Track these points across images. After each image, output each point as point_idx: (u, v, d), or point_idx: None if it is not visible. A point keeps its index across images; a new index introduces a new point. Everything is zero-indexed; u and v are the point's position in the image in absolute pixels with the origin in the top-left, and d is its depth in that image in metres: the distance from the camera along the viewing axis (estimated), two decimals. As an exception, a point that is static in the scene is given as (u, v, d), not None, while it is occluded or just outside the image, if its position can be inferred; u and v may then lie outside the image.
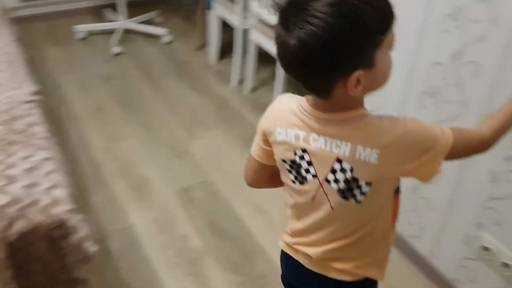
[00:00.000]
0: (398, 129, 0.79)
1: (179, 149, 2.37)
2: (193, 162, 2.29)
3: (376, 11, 0.73)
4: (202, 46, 3.29)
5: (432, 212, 1.63)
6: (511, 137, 0.95)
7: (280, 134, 0.87)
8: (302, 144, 0.84)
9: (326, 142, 0.81)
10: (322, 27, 0.70)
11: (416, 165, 0.80)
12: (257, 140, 0.95)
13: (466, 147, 0.87)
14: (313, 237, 0.93)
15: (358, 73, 0.74)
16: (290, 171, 0.89)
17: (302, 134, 0.84)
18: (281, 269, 1.08)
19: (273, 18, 2.35)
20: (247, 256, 1.81)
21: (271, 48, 2.50)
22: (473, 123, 1.38)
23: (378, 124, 0.80)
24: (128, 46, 3.29)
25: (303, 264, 0.97)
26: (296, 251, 0.98)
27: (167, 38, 3.40)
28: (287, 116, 0.86)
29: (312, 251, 0.94)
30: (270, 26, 2.47)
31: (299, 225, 0.95)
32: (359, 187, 0.83)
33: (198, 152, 2.36)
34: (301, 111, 0.84)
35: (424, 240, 1.70)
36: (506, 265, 1.41)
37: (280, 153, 0.89)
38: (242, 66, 2.86)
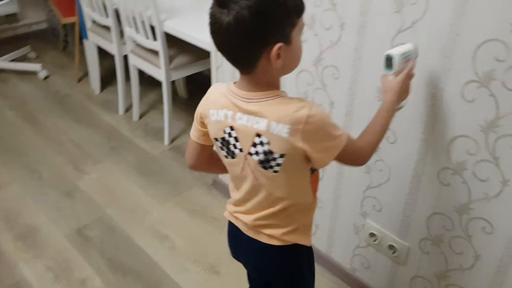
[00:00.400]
0: (305, 110, 0.90)
1: (68, 188, 2.25)
2: (85, 199, 2.19)
3: None
4: (83, 77, 3.17)
5: (322, 209, 1.71)
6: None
7: (213, 115, 1.00)
8: (230, 122, 0.97)
9: (248, 119, 0.94)
10: (254, 1, 0.84)
11: (313, 148, 0.93)
12: (195, 123, 1.08)
13: (351, 156, 1.01)
14: (247, 205, 1.06)
15: (279, 45, 0.88)
16: (222, 148, 1.03)
17: (230, 113, 0.97)
18: (227, 236, 1.20)
19: (149, 42, 2.35)
20: (152, 285, 1.76)
21: (153, 71, 2.48)
22: (341, 121, 1.49)
23: (290, 103, 0.92)
24: (1, 86, 3.07)
25: (242, 230, 1.10)
26: (236, 218, 1.11)
27: (43, 73, 3.23)
28: (219, 98, 0.99)
29: (247, 218, 1.08)
30: (148, 50, 2.45)
31: (237, 195, 1.09)
32: (274, 159, 0.95)
33: (89, 188, 2.26)
34: (229, 93, 0.97)
35: (320, 236, 1.78)
36: (392, 247, 1.52)
37: (213, 132, 1.02)
38: (127, 92, 2.80)
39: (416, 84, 1.21)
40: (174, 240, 1.97)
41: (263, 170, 0.98)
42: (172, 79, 2.46)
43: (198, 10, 2.46)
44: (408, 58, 1.13)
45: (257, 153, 0.96)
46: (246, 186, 1.04)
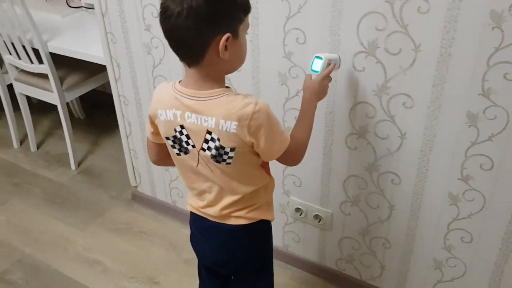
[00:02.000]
0: (251, 106, 0.94)
1: (-25, 236, 2.08)
2: (-2, 243, 2.04)
3: None
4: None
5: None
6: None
7: (162, 115, 1.02)
8: (179, 121, 1.00)
9: (197, 118, 0.98)
10: None
11: (259, 141, 0.98)
12: (148, 124, 1.11)
13: (294, 154, 1.10)
14: (209, 198, 1.10)
15: (228, 35, 0.91)
16: (173, 146, 1.06)
17: (178, 112, 0.99)
18: (190, 226, 1.24)
19: (35, 66, 2.23)
20: (93, 313, 1.71)
21: (44, 96, 2.36)
22: None
23: (236, 100, 0.95)
24: None
25: (207, 218, 1.14)
26: (198, 210, 1.15)
27: None
28: (166, 98, 1.01)
29: (212, 210, 1.11)
30: (35, 75, 2.32)
31: (195, 191, 1.13)
32: (226, 153, 1.00)
33: (0, 232, 2.10)
34: (175, 92, 0.99)
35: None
36: (317, 216, 1.64)
37: (164, 131, 1.05)
38: (19, 123, 2.63)
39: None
40: (105, 262, 1.91)
41: (217, 164, 1.02)
42: (67, 101, 2.37)
43: (80, 27, 2.39)
44: (330, 63, 1.22)
45: (209, 148, 1.00)
46: (203, 179, 1.08)
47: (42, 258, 1.94)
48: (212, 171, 1.05)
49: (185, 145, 1.03)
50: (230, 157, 1.01)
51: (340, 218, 1.60)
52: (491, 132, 1.18)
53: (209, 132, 0.98)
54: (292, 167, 1.60)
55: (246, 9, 0.96)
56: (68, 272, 1.87)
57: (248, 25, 0.98)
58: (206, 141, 1.00)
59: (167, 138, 1.06)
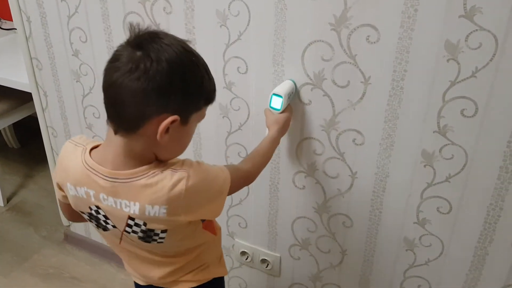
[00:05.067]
0: (181, 184, 0.78)
1: None
2: None
3: (211, 83, 0.80)
4: None
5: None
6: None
7: (71, 189, 0.84)
8: (93, 201, 0.83)
9: (115, 202, 0.80)
10: (178, 53, 0.73)
11: (197, 214, 0.84)
12: (56, 187, 0.93)
13: (238, 184, 0.94)
14: (144, 270, 0.95)
15: (175, 117, 0.75)
16: (90, 220, 0.89)
17: (91, 192, 0.82)
18: None
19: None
20: None
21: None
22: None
23: (164, 181, 0.78)
24: None
25: (154, 284, 0.98)
26: (140, 279, 1.00)
27: None
28: (74, 172, 0.82)
29: (152, 280, 0.96)
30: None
31: (125, 264, 0.99)
32: (156, 234, 0.84)
33: None
34: (87, 168, 0.81)
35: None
36: (264, 260, 1.49)
37: (75, 206, 0.88)
38: None
39: (258, 92, 1.20)
40: None
41: (146, 243, 0.86)
42: (-5, 131, 2.14)
43: (10, 51, 2.19)
44: (291, 97, 1.12)
45: (134, 231, 0.83)
46: (132, 255, 0.92)
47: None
48: (141, 248, 0.89)
49: (103, 223, 0.86)
50: (161, 238, 0.84)
51: (289, 262, 1.45)
52: (448, 172, 1.07)
53: (132, 218, 0.81)
54: (237, 206, 1.45)
55: (209, 99, 0.81)
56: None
57: (203, 116, 0.83)
58: (129, 225, 0.83)
59: (82, 212, 0.88)
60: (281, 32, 1.11)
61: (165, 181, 0.78)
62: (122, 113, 0.75)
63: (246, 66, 1.19)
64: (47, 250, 1.99)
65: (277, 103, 1.09)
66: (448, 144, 1.04)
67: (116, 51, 0.74)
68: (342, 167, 1.20)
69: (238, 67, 1.21)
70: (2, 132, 2.62)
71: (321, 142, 1.19)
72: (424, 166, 1.09)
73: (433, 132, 1.04)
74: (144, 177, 0.78)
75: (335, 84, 1.09)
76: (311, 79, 1.12)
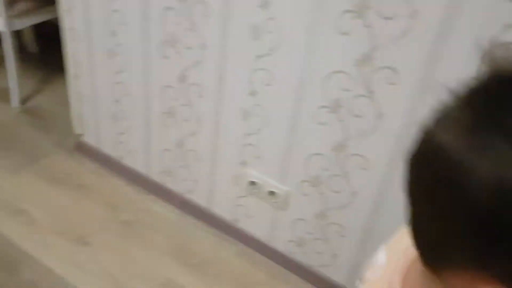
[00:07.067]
0: None
1: None
2: None
3: None
4: None
5: (200, 162, 1.60)
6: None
7: None
8: None
9: None
10: None
11: None
12: None
13: None
14: None
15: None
16: None
17: None
18: None
19: None
20: (9, 267, 1.52)
21: None
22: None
23: None
24: None
25: None
26: None
27: None
28: None
29: None
30: None
31: None
32: None
33: None
34: None
35: (200, 191, 1.68)
36: (272, 193, 1.48)
37: None
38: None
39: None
40: (33, 213, 1.71)
41: None
42: (16, 29, 2.10)
43: None
44: None
45: None
46: None
47: (-39, 200, 1.73)
48: None
49: None
50: None
51: (297, 198, 1.44)
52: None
53: None
54: (253, 136, 1.43)
55: None
56: (-12, 219, 1.67)
57: None
58: None
59: None
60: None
61: None
62: (434, 244, 0.43)
63: None
64: (57, 156, 2.00)
65: None
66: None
67: (426, 130, 0.40)
68: (369, 106, 1.16)
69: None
70: (25, 35, 2.58)
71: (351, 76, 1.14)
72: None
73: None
74: None
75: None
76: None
